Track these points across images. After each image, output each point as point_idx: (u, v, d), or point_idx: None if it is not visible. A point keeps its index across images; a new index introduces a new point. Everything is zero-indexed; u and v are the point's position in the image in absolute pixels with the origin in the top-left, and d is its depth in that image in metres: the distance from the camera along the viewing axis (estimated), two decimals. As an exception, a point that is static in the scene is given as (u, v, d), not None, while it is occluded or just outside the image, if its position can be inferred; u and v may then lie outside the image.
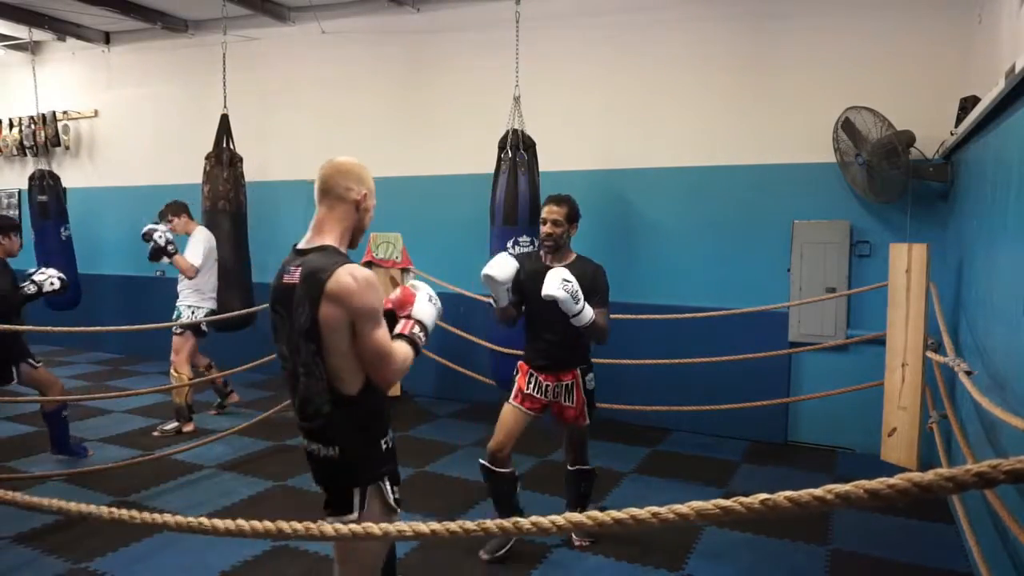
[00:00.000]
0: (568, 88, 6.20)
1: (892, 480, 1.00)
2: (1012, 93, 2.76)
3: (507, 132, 5.33)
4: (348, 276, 1.94)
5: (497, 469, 3.39)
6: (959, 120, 4.19)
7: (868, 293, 4.92)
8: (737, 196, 5.66)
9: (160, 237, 5.39)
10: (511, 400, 3.48)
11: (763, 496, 1.08)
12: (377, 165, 7.39)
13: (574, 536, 3.66)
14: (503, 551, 3.50)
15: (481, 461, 3.44)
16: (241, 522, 1.55)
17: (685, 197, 5.84)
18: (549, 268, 3.26)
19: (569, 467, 3.67)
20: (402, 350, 2.08)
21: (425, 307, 2.20)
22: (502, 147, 5.34)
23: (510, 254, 3.43)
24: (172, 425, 5.55)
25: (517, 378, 3.52)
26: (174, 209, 5.70)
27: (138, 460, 4.74)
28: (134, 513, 1.69)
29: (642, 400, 5.49)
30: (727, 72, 5.70)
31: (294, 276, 2.01)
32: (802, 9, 5.46)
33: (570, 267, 3.30)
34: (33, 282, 4.48)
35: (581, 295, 3.13)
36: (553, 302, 3.09)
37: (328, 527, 1.51)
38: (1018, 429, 2.09)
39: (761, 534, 3.83)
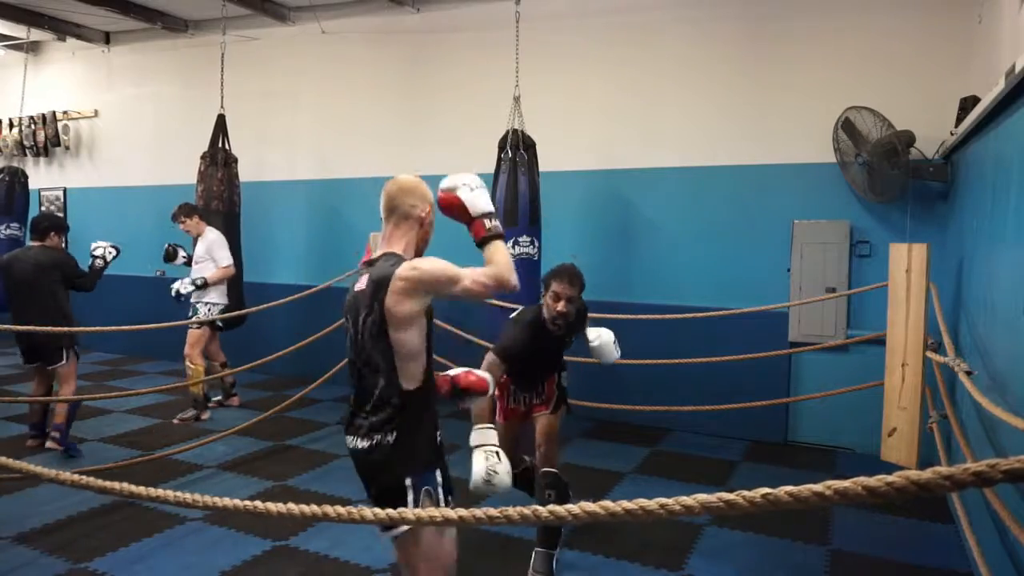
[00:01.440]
0: (568, 88, 6.20)
1: (890, 478, 1.01)
2: (1012, 93, 2.76)
3: (507, 132, 5.33)
4: (409, 269, 2.10)
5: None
6: (959, 120, 4.20)
7: (868, 293, 4.93)
8: (737, 196, 5.66)
9: (187, 288, 5.64)
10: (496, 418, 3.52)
11: (765, 490, 1.11)
12: (377, 165, 7.39)
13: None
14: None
15: None
16: (281, 505, 1.61)
17: (685, 197, 5.85)
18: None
19: (540, 467, 3.40)
20: (497, 253, 2.18)
21: (473, 197, 2.29)
22: (502, 147, 5.34)
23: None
24: (191, 413, 5.83)
25: (496, 397, 3.50)
26: (186, 211, 5.85)
27: (138, 460, 4.74)
28: (196, 496, 1.71)
29: (642, 400, 5.50)
30: (727, 72, 5.71)
31: (361, 284, 2.18)
32: (802, 9, 5.46)
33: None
34: (95, 256, 5.08)
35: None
36: (552, 353, 3.52)
37: (367, 511, 1.55)
38: (1018, 429, 2.09)
39: (761, 533, 3.83)
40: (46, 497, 4.11)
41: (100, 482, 1.82)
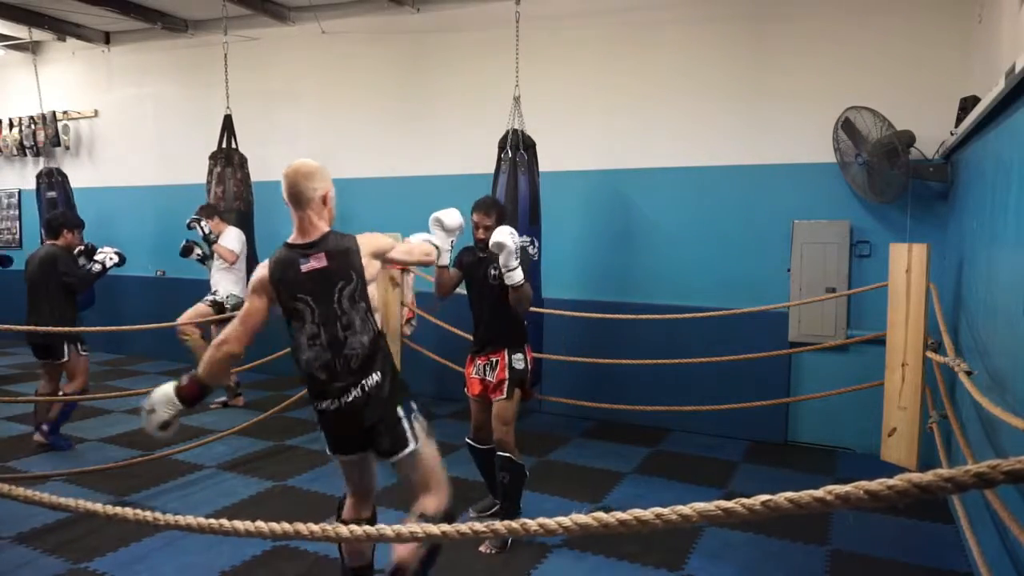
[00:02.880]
0: (568, 88, 6.20)
1: (891, 481, 1.00)
2: (1012, 93, 2.76)
3: (507, 132, 5.33)
4: (366, 239, 2.58)
5: (478, 446, 3.88)
6: (959, 120, 4.19)
7: (868, 293, 4.92)
8: (737, 196, 5.66)
9: (205, 226, 5.88)
10: (467, 391, 3.85)
11: (764, 497, 1.09)
12: (377, 165, 7.38)
13: (486, 543, 3.56)
14: (506, 546, 3.61)
15: (467, 439, 3.91)
16: (248, 523, 1.55)
17: (685, 197, 5.85)
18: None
19: (496, 451, 3.66)
20: (420, 243, 2.91)
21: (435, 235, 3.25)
22: (502, 147, 5.34)
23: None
24: (220, 399, 6.15)
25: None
26: (207, 212, 5.99)
27: (138, 460, 4.74)
28: (158, 515, 1.68)
29: (642, 400, 5.49)
30: (727, 72, 5.70)
31: (317, 262, 2.47)
32: (802, 10, 5.46)
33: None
34: (96, 261, 5.10)
35: (518, 254, 3.41)
36: (488, 285, 3.59)
37: (343, 528, 1.51)
38: (1018, 429, 2.09)
39: (761, 534, 3.83)
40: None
41: (52, 498, 1.77)
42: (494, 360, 3.64)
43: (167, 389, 2.43)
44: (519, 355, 3.65)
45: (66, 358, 4.98)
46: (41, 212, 7.77)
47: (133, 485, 4.37)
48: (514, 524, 1.34)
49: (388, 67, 7.03)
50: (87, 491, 4.24)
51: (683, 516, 1.15)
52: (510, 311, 3.60)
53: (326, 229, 2.54)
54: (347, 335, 2.46)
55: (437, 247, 3.24)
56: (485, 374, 3.67)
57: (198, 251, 6.01)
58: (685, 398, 5.40)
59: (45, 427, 5.01)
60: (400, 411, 2.52)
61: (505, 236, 3.32)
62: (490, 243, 3.36)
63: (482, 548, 3.55)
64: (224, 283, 6.00)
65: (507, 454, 3.59)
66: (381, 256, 2.60)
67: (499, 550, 3.55)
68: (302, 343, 2.50)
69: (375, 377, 2.48)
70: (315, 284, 2.46)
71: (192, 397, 2.43)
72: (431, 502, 2.59)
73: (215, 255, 5.96)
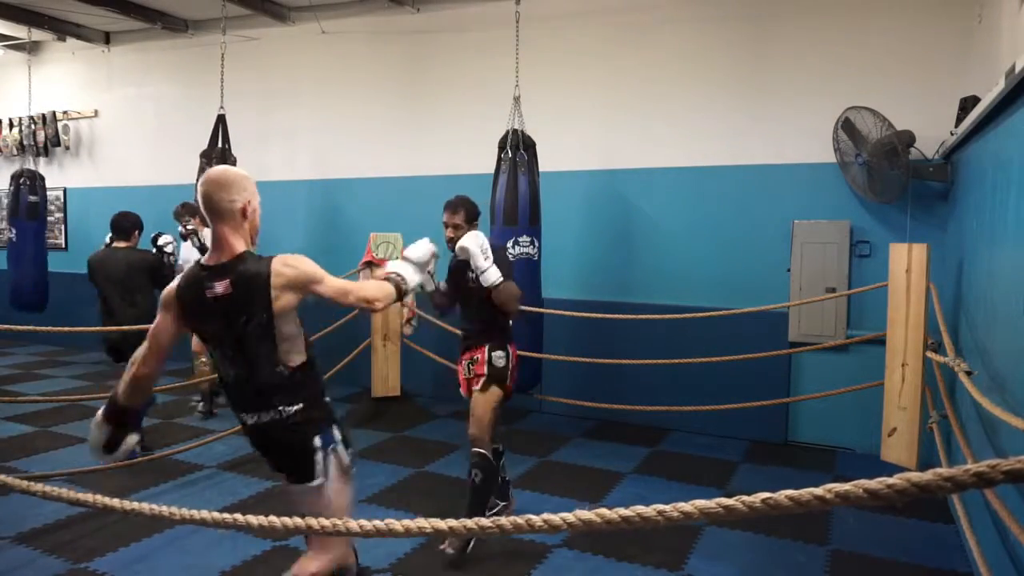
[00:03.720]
0: (568, 88, 6.20)
1: (891, 480, 1.01)
2: (1012, 93, 2.76)
3: (507, 132, 5.33)
4: (283, 266, 2.18)
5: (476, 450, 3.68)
6: (959, 120, 4.20)
7: (868, 293, 4.93)
8: (737, 196, 5.66)
9: (203, 236, 5.63)
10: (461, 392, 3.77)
11: (765, 495, 1.09)
12: (377, 165, 7.37)
13: (448, 541, 3.46)
14: (469, 547, 3.49)
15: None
16: (261, 518, 1.57)
17: (685, 197, 5.85)
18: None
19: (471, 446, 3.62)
20: (371, 284, 2.43)
21: (399, 265, 2.60)
22: (502, 147, 5.34)
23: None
24: (203, 405, 6.09)
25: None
26: (191, 210, 5.75)
27: (138, 460, 4.73)
28: (173, 509, 1.71)
29: (642, 400, 5.50)
30: (727, 72, 5.71)
31: (222, 288, 2.17)
32: (802, 9, 5.46)
33: None
34: (167, 253, 5.09)
35: (491, 255, 3.39)
36: (469, 288, 3.52)
37: (352, 523, 1.52)
38: (1018, 429, 2.09)
39: (761, 534, 3.83)
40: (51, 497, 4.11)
41: (71, 493, 1.78)
42: (476, 356, 3.62)
43: (97, 414, 2.36)
44: (500, 353, 3.59)
45: None
46: (21, 211, 7.52)
47: (133, 485, 4.37)
48: (519, 520, 1.34)
49: (388, 67, 7.04)
50: (88, 491, 4.24)
51: (685, 513, 1.16)
52: (494, 310, 3.54)
53: (242, 249, 2.21)
54: (255, 367, 2.23)
55: (407, 282, 2.68)
56: (469, 372, 3.66)
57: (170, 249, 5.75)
58: (685, 398, 5.41)
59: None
60: (317, 440, 2.25)
61: (468, 241, 3.35)
62: (456, 246, 3.40)
63: (443, 546, 3.45)
64: None
65: (480, 450, 3.50)
66: (302, 288, 2.21)
67: (459, 551, 3.44)
68: (217, 362, 2.33)
69: (295, 407, 2.24)
70: (218, 312, 2.19)
71: (115, 419, 2.33)
72: (310, 564, 2.30)
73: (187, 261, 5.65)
